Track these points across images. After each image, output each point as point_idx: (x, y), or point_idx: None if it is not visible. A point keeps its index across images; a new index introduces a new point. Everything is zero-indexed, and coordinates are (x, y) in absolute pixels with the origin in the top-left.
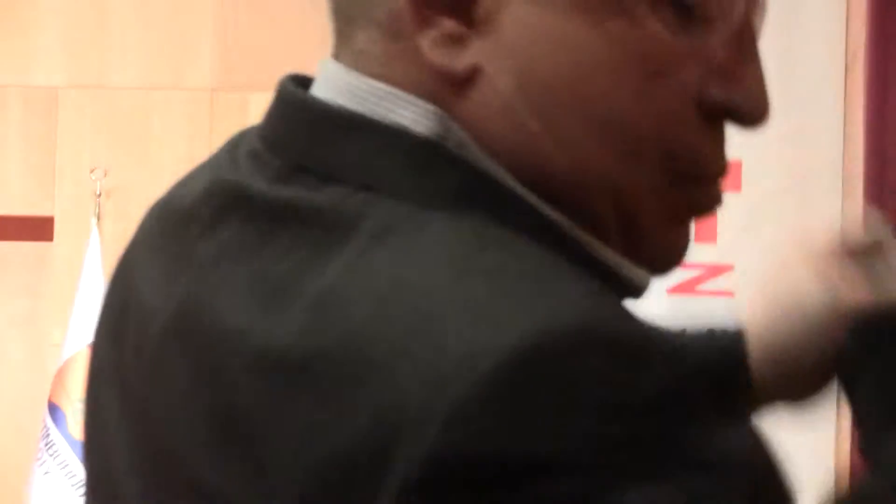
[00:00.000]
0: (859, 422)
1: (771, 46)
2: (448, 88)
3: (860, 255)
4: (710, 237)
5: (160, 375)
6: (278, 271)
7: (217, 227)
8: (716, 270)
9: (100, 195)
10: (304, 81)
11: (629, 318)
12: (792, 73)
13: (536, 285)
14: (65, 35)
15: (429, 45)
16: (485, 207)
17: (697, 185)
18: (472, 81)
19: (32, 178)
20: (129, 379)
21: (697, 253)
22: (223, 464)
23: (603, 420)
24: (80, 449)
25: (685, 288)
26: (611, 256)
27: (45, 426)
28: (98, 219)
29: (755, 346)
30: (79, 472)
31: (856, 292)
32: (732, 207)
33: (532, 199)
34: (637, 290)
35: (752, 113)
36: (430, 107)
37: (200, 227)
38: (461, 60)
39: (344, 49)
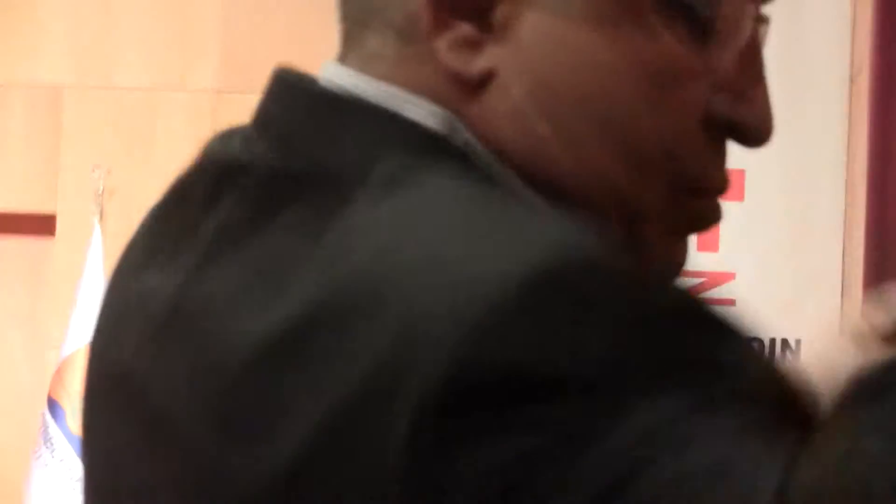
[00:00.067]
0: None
1: (775, 55)
2: (459, 91)
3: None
4: (712, 245)
5: (166, 359)
6: (281, 246)
7: (215, 206)
8: (717, 278)
9: (102, 194)
10: (300, 76)
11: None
12: (796, 83)
13: (545, 218)
14: (70, 33)
15: (445, 47)
16: None
17: (699, 199)
18: (484, 85)
19: (36, 176)
20: (131, 371)
21: (699, 261)
22: (230, 443)
23: (619, 334)
24: (78, 445)
25: None
26: None
27: (44, 422)
28: (100, 217)
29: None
30: (77, 468)
31: None
32: (734, 216)
33: (534, 198)
34: None
35: (756, 132)
36: (437, 108)
37: (197, 208)
38: (476, 64)
39: (352, 53)
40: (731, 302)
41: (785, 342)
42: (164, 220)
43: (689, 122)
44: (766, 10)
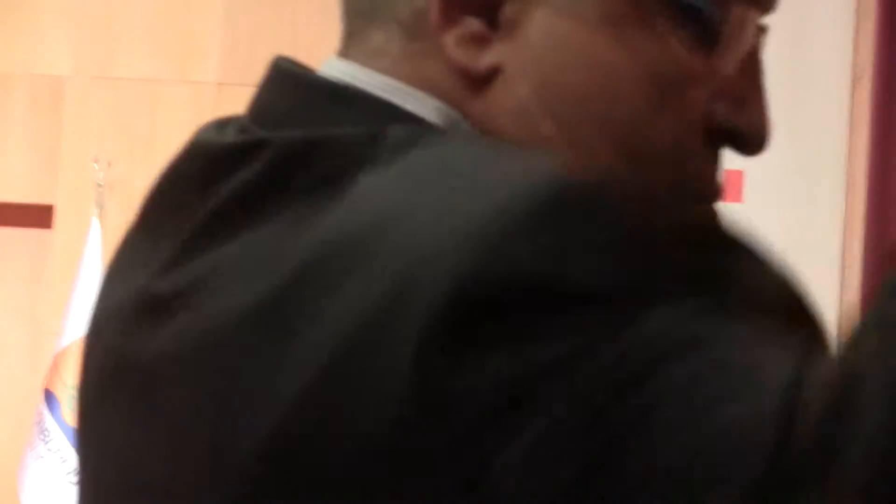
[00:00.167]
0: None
1: (778, 59)
2: (464, 87)
3: None
4: None
5: (162, 341)
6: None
7: (211, 189)
8: None
9: (102, 186)
10: (298, 67)
11: None
12: (799, 86)
13: (547, 158)
14: (72, 25)
15: (453, 42)
16: None
17: (696, 204)
18: (490, 81)
19: (36, 167)
20: (128, 357)
21: None
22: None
23: (627, 245)
24: (73, 435)
25: None
26: None
27: (40, 412)
28: (100, 209)
29: None
30: (71, 458)
31: None
32: (734, 218)
33: None
34: None
35: (754, 140)
36: (440, 103)
37: (194, 192)
38: (483, 60)
39: (356, 48)
40: None
41: None
42: (159, 207)
43: (690, 125)
44: (770, 15)
